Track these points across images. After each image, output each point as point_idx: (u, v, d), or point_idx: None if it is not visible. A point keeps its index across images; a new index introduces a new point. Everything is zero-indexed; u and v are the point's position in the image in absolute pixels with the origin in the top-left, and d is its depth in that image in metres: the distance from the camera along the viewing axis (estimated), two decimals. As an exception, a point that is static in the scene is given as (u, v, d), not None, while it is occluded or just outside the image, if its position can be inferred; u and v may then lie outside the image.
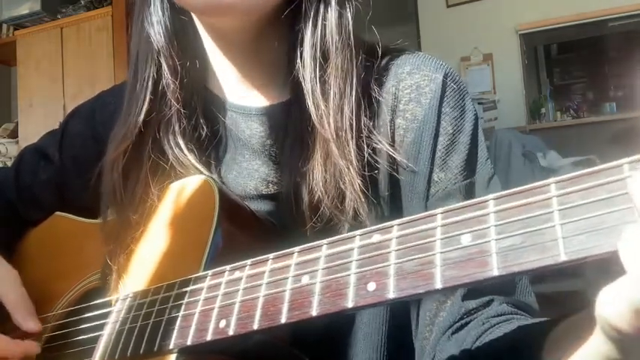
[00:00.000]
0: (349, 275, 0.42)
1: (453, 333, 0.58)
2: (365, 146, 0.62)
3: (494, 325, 0.55)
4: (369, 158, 0.63)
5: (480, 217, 0.37)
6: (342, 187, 0.61)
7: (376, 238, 0.42)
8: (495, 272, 0.34)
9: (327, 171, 0.61)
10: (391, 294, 0.39)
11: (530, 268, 0.33)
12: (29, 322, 0.72)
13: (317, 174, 0.62)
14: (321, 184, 0.61)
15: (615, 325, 0.32)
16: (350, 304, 0.41)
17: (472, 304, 0.58)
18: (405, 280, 0.38)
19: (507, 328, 0.54)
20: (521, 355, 0.47)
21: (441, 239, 0.38)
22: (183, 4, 0.63)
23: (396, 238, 0.41)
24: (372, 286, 0.40)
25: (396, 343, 0.64)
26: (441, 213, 0.40)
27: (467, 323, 0.58)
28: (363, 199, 0.60)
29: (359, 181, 0.60)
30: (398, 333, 0.65)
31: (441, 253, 0.38)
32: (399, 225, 0.42)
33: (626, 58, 5.59)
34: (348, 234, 0.45)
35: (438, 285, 0.37)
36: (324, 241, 0.46)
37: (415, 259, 0.39)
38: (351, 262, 0.43)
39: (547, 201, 0.34)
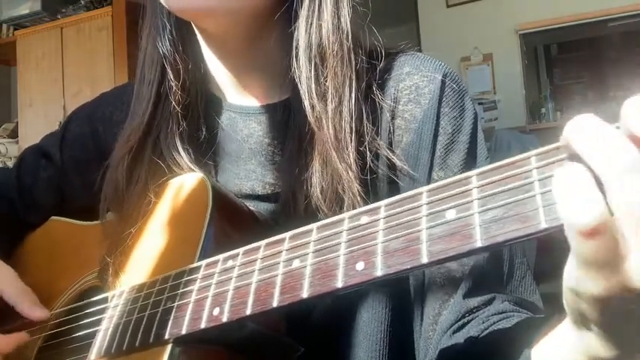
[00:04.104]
0: (338, 256, 0.43)
1: (454, 332, 0.58)
2: (368, 152, 0.62)
3: (494, 324, 0.55)
4: (370, 163, 0.62)
5: (463, 192, 0.37)
6: (341, 192, 0.60)
7: (364, 219, 0.43)
8: (479, 244, 0.35)
9: (324, 178, 0.61)
10: (379, 271, 0.39)
11: (513, 238, 0.33)
12: (36, 311, 0.72)
13: (315, 180, 0.61)
14: (318, 190, 0.61)
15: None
16: (340, 284, 0.41)
17: (474, 302, 0.58)
18: (392, 258, 0.39)
19: (506, 324, 0.54)
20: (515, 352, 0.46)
21: (427, 216, 0.39)
22: (165, 6, 0.64)
23: (384, 218, 0.42)
24: (360, 266, 0.41)
25: (396, 343, 0.64)
26: (427, 191, 0.40)
27: (468, 322, 0.58)
28: (361, 205, 0.59)
29: (357, 187, 0.60)
30: (399, 332, 0.64)
31: (427, 229, 0.38)
32: (386, 205, 0.42)
33: (626, 58, 5.60)
34: (337, 217, 0.46)
35: (424, 260, 0.37)
36: (314, 225, 0.47)
37: (402, 236, 0.39)
38: (340, 243, 0.43)
39: (527, 173, 0.35)
